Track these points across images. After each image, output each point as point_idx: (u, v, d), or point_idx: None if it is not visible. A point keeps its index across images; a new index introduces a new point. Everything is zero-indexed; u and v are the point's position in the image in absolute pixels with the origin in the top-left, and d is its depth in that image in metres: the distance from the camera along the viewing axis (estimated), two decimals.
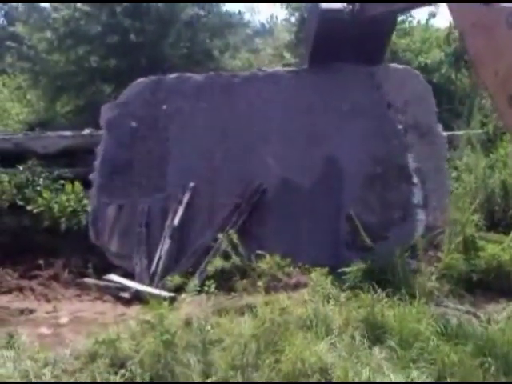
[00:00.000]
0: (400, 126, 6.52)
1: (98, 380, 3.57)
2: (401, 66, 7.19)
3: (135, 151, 6.71)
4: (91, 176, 6.75)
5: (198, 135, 6.62)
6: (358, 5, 5.95)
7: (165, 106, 6.77)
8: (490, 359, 3.55)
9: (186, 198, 6.24)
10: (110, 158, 6.74)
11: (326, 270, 5.02)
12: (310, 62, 6.79)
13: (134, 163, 6.67)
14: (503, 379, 3.37)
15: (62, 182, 7.10)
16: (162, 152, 6.65)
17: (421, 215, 6.25)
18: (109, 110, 6.95)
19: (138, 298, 5.34)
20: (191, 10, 12.10)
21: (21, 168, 7.24)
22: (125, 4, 11.89)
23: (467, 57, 10.59)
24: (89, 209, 6.67)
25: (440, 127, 6.67)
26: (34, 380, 3.54)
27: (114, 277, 5.83)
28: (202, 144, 6.59)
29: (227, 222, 6.00)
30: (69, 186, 6.98)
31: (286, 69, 7.98)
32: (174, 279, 5.06)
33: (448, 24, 11.73)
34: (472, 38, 2.14)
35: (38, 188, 6.99)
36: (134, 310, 4.96)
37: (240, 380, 3.55)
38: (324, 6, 6.11)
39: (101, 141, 6.87)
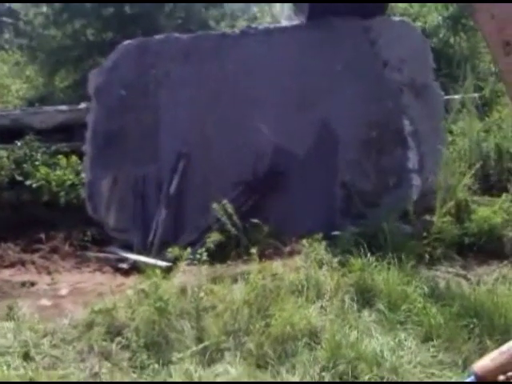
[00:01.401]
0: (395, 86, 6.35)
1: (96, 348, 3.70)
2: (397, 19, 6.98)
3: (126, 120, 6.52)
4: (84, 148, 6.66)
5: (188, 101, 6.44)
6: None
7: (153, 71, 6.55)
8: (474, 320, 3.64)
9: (180, 167, 6.19)
10: (100, 128, 6.57)
11: (319, 236, 5.07)
12: (309, 17, 6.55)
13: (126, 133, 6.49)
14: (487, 340, 3.45)
15: (60, 156, 7.13)
16: (153, 120, 6.48)
17: (416, 180, 6.21)
18: (97, 76, 6.71)
19: (136, 268, 5.44)
20: None
21: (19, 143, 7.29)
22: None
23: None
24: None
25: (437, 85, 6.48)
26: (33, 349, 3.66)
27: (113, 248, 5.95)
28: (193, 110, 6.42)
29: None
30: (63, 160, 7.02)
31: (277, 25, 7.63)
32: (174, 251, 5.01)
33: None
34: None
35: (37, 163, 7.04)
36: (132, 280, 5.06)
37: (232, 345, 3.67)
38: None
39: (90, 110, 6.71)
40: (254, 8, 15.17)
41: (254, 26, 7.39)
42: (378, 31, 6.45)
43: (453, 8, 10.84)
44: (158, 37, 6.85)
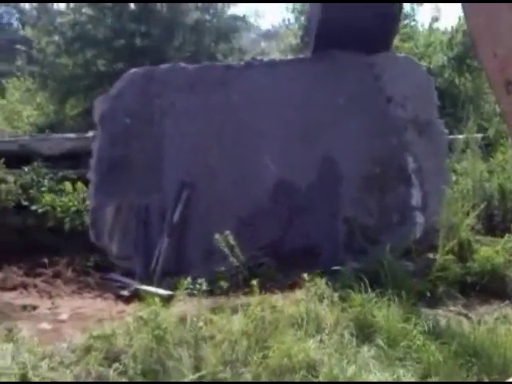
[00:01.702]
0: (400, 122, 6.37)
1: (93, 372, 3.69)
2: (401, 55, 7.02)
3: (130, 148, 6.49)
4: (88, 175, 6.65)
5: (192, 131, 6.42)
6: None
7: (159, 100, 6.54)
8: (473, 359, 3.62)
9: (183, 196, 6.18)
10: (105, 155, 6.53)
11: (321, 270, 5.09)
12: (314, 51, 6.62)
13: (130, 161, 6.46)
14: (485, 379, 3.44)
15: (66, 182, 7.20)
16: (157, 149, 6.44)
17: (419, 218, 6.21)
18: (102, 104, 6.69)
19: (137, 296, 5.43)
20: (195, 13, 12.24)
21: (26, 169, 7.40)
22: (130, 8, 12.09)
23: (470, 60, 10.70)
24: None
25: (441, 123, 6.51)
26: (31, 372, 3.66)
27: (115, 275, 5.96)
28: (198, 140, 6.40)
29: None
30: (69, 186, 7.08)
31: (283, 58, 7.69)
32: (180, 285, 4.63)
33: (450, 28, 11.84)
34: (473, 14, 2.14)
35: (43, 189, 7.15)
36: (133, 307, 5.05)
37: (229, 375, 3.66)
38: None
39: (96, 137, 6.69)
40: (262, 43, 15.47)
41: (259, 58, 7.41)
42: (383, 67, 6.49)
43: (457, 48, 11.02)
44: (163, 66, 6.84)
